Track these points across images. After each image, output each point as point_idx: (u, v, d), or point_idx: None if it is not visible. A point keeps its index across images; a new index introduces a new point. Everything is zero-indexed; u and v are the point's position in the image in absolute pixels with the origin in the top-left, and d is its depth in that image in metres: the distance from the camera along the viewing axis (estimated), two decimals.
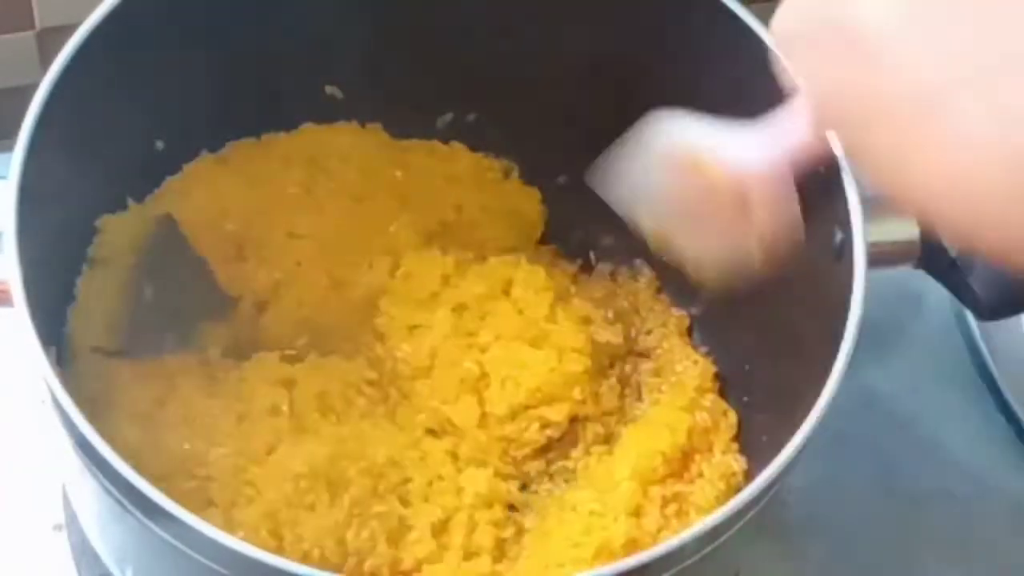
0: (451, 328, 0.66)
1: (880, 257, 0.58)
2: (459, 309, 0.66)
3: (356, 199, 0.69)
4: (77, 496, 0.63)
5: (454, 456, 0.64)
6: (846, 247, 0.57)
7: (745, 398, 0.69)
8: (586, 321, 0.68)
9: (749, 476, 0.65)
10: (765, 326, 0.67)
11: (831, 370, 0.54)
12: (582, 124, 0.71)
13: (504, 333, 0.66)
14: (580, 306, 0.68)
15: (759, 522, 0.54)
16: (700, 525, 0.51)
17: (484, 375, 0.65)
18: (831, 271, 0.58)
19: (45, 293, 0.58)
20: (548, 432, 0.65)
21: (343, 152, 0.70)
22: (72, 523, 0.68)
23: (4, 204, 0.54)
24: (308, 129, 0.71)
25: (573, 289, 0.70)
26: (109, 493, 0.52)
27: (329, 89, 0.71)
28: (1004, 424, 0.77)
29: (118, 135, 0.62)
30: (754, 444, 0.67)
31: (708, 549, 0.52)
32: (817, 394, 0.54)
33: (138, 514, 0.51)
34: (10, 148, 0.55)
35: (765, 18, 0.61)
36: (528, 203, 0.73)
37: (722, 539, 0.52)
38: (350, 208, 0.69)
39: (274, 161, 0.69)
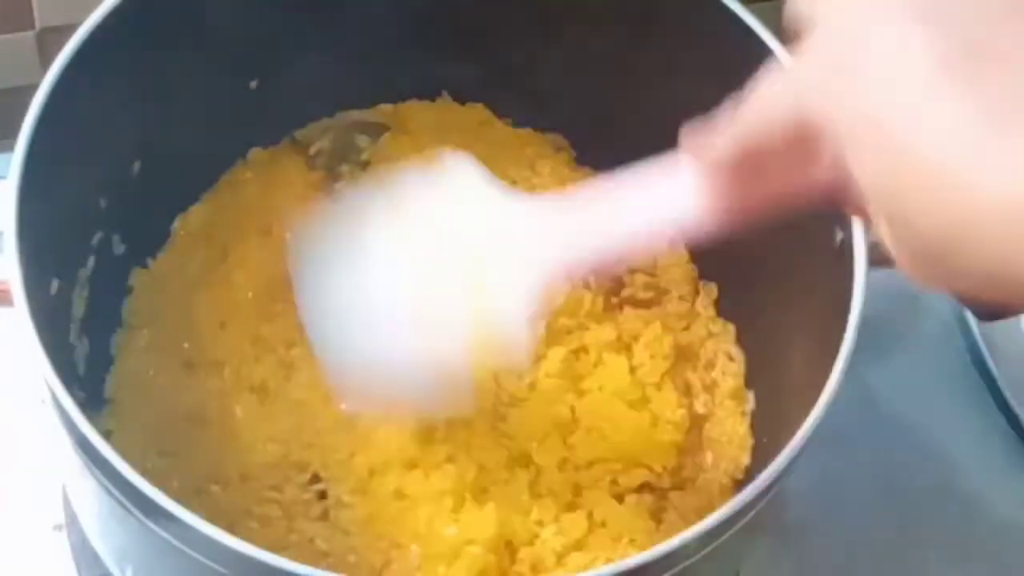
0: (561, 369, 0.65)
1: (880, 257, 0.58)
2: (579, 352, 0.66)
3: None
4: (77, 496, 0.63)
5: (533, 488, 0.63)
6: (846, 247, 0.57)
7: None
8: (688, 392, 0.67)
9: (749, 476, 0.65)
10: (765, 326, 0.67)
11: (831, 370, 0.54)
12: (577, 127, 0.72)
13: (608, 387, 0.65)
14: (686, 368, 0.67)
15: (759, 522, 0.54)
16: (700, 525, 0.51)
17: (574, 420, 0.64)
18: (831, 271, 0.58)
19: (45, 293, 0.58)
20: (616, 490, 0.64)
21: None
22: (72, 523, 0.68)
23: (4, 204, 0.54)
24: None
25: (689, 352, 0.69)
26: (109, 493, 0.52)
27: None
28: (1004, 424, 0.77)
29: (119, 135, 0.62)
30: (754, 444, 0.67)
31: (708, 549, 0.52)
32: (817, 394, 0.54)
33: (138, 514, 0.51)
34: (10, 148, 0.55)
35: (765, 18, 0.61)
36: None
37: (722, 539, 0.52)
38: None
39: None
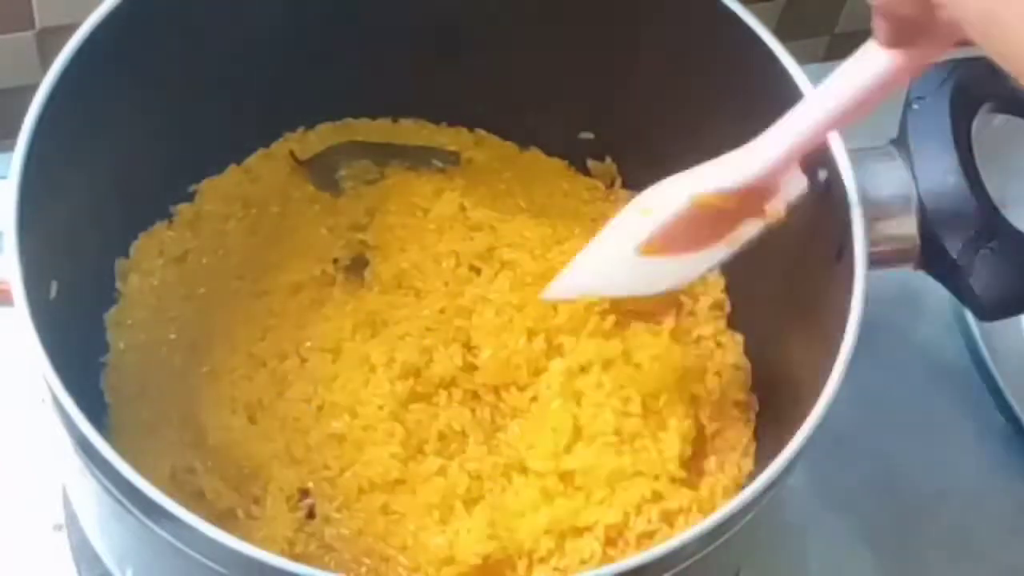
0: (563, 382, 0.65)
1: (880, 257, 0.58)
2: (583, 365, 0.65)
3: None
4: (77, 496, 0.63)
5: (522, 469, 0.63)
6: (846, 247, 0.57)
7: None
8: (694, 402, 0.66)
9: (750, 476, 0.65)
10: (765, 328, 0.67)
11: (831, 370, 0.54)
12: (577, 126, 0.72)
13: (613, 399, 0.64)
14: (692, 380, 0.67)
15: (759, 522, 0.54)
16: (701, 525, 0.51)
17: (577, 430, 0.63)
18: (831, 271, 0.58)
19: (45, 293, 0.58)
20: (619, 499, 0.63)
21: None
22: (72, 523, 0.68)
23: (5, 204, 0.54)
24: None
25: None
26: (109, 493, 0.52)
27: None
28: (1004, 424, 0.77)
29: (119, 135, 0.62)
30: (756, 445, 0.67)
31: (709, 549, 0.52)
32: (817, 394, 0.54)
33: (138, 514, 0.51)
34: (10, 148, 0.55)
35: (765, 18, 0.61)
36: None
37: (723, 539, 0.52)
38: None
39: None
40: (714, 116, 0.65)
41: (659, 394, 0.65)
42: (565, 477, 0.63)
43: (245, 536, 0.49)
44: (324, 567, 0.59)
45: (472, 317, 0.66)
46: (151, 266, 0.67)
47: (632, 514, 0.62)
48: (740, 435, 0.66)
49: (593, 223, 0.70)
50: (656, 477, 0.63)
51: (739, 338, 0.68)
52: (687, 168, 0.67)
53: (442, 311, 0.66)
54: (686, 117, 0.66)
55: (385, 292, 0.68)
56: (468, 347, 0.65)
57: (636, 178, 0.72)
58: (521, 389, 0.65)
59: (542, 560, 0.61)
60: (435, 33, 0.69)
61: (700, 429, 0.66)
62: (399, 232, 0.69)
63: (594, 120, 0.71)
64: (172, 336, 0.66)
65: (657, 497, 0.63)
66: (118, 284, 0.67)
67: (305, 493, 0.62)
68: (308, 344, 0.66)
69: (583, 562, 0.61)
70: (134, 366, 0.65)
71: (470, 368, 0.65)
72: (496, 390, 0.65)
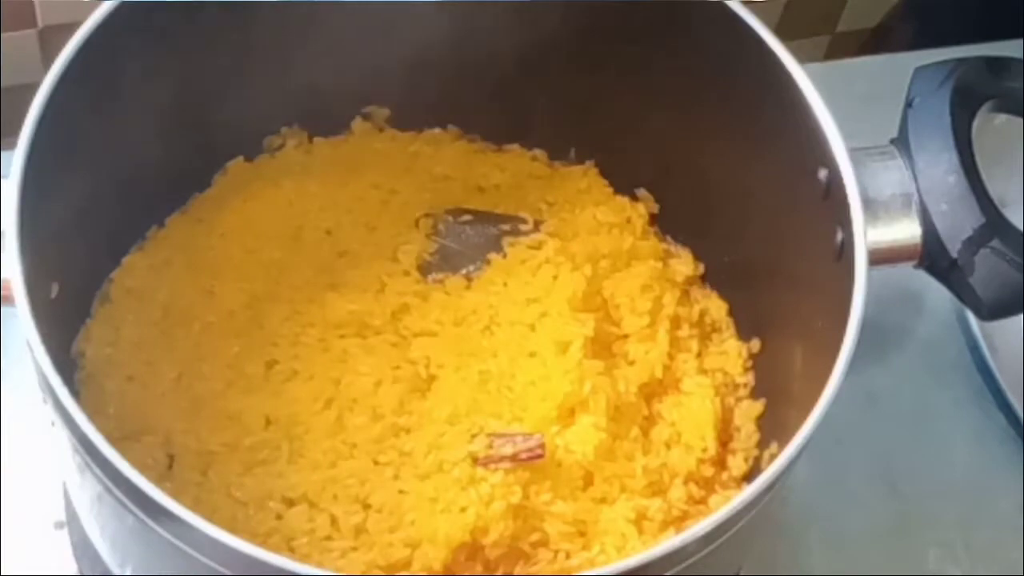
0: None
1: (880, 257, 0.58)
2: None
3: None
4: (77, 495, 0.63)
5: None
6: (846, 247, 0.57)
7: None
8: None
9: (750, 476, 0.65)
10: (765, 327, 0.67)
11: (831, 370, 0.54)
12: (573, 124, 0.72)
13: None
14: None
15: (760, 521, 0.54)
16: (701, 525, 0.51)
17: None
18: (831, 271, 0.58)
19: (46, 292, 0.58)
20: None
21: None
22: (73, 521, 0.68)
23: (6, 202, 0.54)
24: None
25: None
26: (109, 492, 0.52)
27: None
28: (1004, 424, 0.77)
29: (121, 134, 0.62)
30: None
31: (710, 549, 0.52)
32: (817, 394, 0.54)
33: (138, 513, 0.51)
34: (12, 147, 0.55)
35: (765, 18, 0.61)
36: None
37: (723, 539, 0.52)
38: None
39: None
40: (713, 116, 0.65)
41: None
42: (587, 475, 0.63)
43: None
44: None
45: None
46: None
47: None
48: (744, 444, 0.66)
49: (594, 225, 0.70)
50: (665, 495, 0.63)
51: (744, 349, 0.68)
52: (685, 170, 0.68)
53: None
54: (685, 116, 0.66)
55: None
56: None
57: (633, 178, 0.72)
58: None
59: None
60: None
61: None
62: None
63: (590, 119, 0.71)
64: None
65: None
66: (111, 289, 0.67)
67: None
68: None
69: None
70: (101, 376, 0.65)
71: None
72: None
